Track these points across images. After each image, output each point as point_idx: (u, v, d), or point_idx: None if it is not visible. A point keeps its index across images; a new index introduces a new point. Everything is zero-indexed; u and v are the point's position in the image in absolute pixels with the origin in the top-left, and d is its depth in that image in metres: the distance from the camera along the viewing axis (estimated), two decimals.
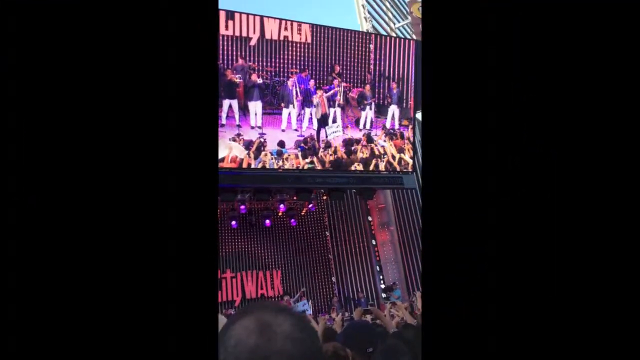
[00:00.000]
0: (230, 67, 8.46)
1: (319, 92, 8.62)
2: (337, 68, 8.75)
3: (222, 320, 1.26)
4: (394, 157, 8.51)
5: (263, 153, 8.07)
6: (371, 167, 8.32)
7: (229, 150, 7.91)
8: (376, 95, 9.01)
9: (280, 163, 8.06)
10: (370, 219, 9.66)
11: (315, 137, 8.46)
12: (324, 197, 9.57)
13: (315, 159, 8.21)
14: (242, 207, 8.88)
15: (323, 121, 8.64)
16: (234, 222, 9.30)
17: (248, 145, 8.06)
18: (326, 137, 8.49)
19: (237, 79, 8.36)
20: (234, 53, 8.22)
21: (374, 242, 9.49)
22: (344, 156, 8.30)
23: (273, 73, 8.75)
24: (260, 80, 8.32)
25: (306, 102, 8.83)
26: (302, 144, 8.33)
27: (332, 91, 8.70)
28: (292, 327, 0.53)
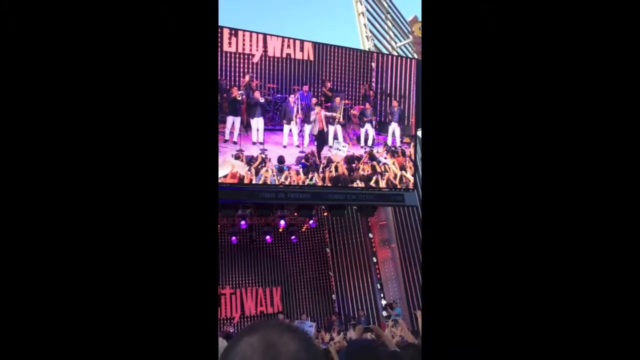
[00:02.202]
0: (233, 83, 8.57)
1: (317, 109, 8.68)
2: (328, 84, 8.83)
3: (222, 344, 1.24)
4: (395, 175, 8.51)
5: (264, 169, 8.09)
6: (372, 184, 8.31)
7: (231, 167, 7.94)
8: (377, 113, 9.08)
9: (282, 179, 8.07)
10: (371, 236, 9.59)
11: (315, 153, 8.49)
12: (325, 214, 9.53)
13: (316, 176, 8.21)
14: (243, 222, 8.84)
15: (320, 138, 8.66)
16: (234, 238, 9.24)
17: (250, 161, 8.08)
18: (329, 151, 8.52)
19: (239, 95, 8.45)
20: (237, 70, 8.33)
21: (374, 259, 9.40)
22: (345, 172, 8.30)
23: (275, 90, 8.86)
24: (262, 99, 8.41)
25: (307, 118, 8.91)
26: (303, 161, 8.35)
27: (335, 111, 8.76)
28: (297, 348, 0.52)
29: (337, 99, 8.91)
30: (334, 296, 9.45)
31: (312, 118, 8.67)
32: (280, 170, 8.26)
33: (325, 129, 8.66)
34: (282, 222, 8.95)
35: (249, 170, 7.98)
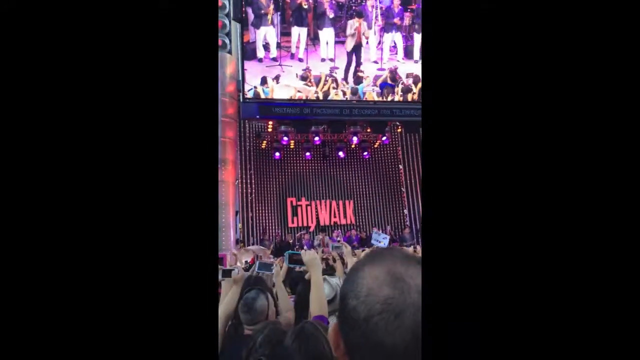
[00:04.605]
0: None
1: (357, 20, 7.16)
2: None
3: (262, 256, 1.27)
4: None
5: (334, 92, 7.40)
6: None
7: (294, 91, 7.32)
8: None
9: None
10: None
11: (351, 71, 7.32)
12: (399, 130, 9.03)
13: (397, 97, 7.42)
14: (317, 139, 8.71)
15: (356, 53, 7.41)
16: (308, 154, 9.29)
17: (318, 82, 7.36)
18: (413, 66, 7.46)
19: (305, 2, 7.20)
20: None
21: None
22: None
23: None
24: (333, 3, 7.10)
25: (388, 26, 7.58)
26: (388, 81, 7.40)
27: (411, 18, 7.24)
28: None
29: None
30: (405, 211, 9.72)
31: (350, 30, 7.32)
32: (354, 93, 7.54)
33: (362, 43, 7.31)
34: (355, 138, 8.69)
35: (316, 93, 7.33)
